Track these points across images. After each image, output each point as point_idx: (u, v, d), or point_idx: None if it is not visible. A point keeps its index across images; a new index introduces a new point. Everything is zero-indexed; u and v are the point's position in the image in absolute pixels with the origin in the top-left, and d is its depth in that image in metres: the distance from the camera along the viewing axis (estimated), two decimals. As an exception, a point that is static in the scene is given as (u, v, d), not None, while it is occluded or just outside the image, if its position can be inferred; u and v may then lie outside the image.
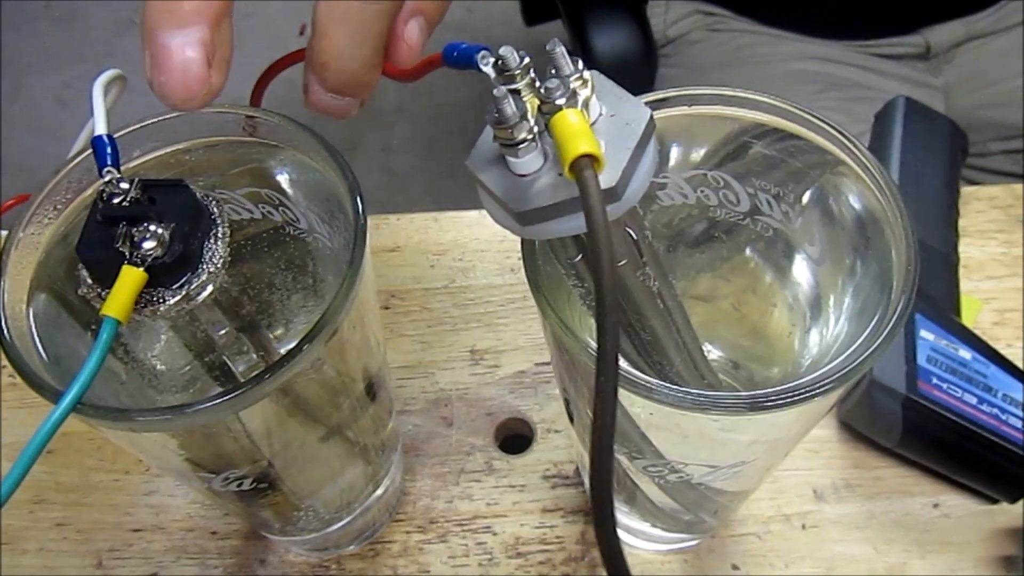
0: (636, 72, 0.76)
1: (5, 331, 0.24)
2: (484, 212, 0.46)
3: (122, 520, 0.39)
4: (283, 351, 0.32)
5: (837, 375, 0.21)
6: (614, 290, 0.17)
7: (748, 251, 0.28)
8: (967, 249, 0.43)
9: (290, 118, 0.27)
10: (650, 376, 0.23)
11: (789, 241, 0.27)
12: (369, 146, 1.42)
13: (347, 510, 0.35)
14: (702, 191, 0.27)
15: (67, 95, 1.59)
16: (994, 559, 0.36)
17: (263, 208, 0.29)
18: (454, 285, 0.44)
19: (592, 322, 0.25)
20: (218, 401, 0.23)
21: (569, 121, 0.19)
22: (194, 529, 0.39)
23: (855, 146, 0.24)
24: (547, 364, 0.41)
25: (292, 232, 0.29)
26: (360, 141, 1.41)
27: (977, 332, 0.40)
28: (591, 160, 0.18)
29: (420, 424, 0.40)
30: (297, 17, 1.65)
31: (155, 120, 0.28)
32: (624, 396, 0.23)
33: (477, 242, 0.45)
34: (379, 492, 0.36)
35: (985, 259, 0.43)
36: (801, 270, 0.28)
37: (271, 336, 0.32)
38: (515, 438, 0.40)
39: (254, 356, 0.31)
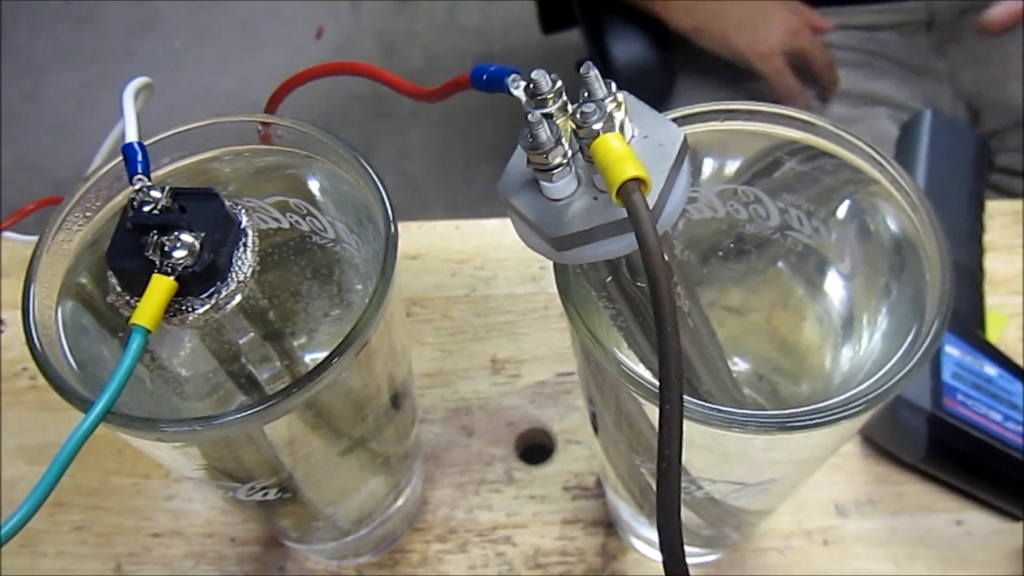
0: (653, 80, 0.76)
1: (35, 338, 0.24)
2: (506, 220, 0.45)
3: (141, 525, 0.39)
4: (307, 359, 0.33)
5: (869, 396, 0.21)
6: (674, 314, 0.17)
7: (780, 265, 0.28)
8: (993, 263, 0.43)
9: (322, 128, 0.27)
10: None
11: (821, 257, 0.27)
12: (384, 150, 1.42)
13: (367, 520, 0.35)
14: (732, 205, 0.27)
15: (85, 95, 1.59)
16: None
17: (290, 217, 0.29)
18: (475, 294, 0.43)
19: (618, 336, 0.25)
20: (246, 413, 0.23)
21: (612, 146, 0.18)
22: (213, 535, 0.39)
23: (890, 165, 0.23)
24: (568, 375, 0.41)
25: (318, 241, 0.29)
26: (375, 145, 1.41)
27: (1002, 348, 0.39)
28: (639, 184, 0.18)
29: (440, 433, 0.40)
30: (314, 20, 1.65)
31: (184, 129, 0.28)
32: (653, 412, 0.23)
33: (499, 250, 0.45)
34: (400, 502, 0.35)
35: (1012, 274, 0.43)
36: (833, 286, 0.28)
37: (295, 344, 0.32)
38: (535, 448, 0.40)
39: (278, 364, 0.31)
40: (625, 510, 0.34)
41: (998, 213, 0.45)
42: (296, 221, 0.29)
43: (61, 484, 0.41)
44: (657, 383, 0.21)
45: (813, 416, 0.21)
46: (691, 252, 0.29)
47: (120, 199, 0.27)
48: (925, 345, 0.22)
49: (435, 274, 0.44)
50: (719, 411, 0.21)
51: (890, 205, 0.25)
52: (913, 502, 0.38)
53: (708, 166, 0.26)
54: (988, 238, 0.43)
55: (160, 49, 1.66)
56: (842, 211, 0.26)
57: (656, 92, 0.75)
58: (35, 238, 0.43)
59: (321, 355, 0.33)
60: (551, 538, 0.37)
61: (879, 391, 0.21)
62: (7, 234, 0.42)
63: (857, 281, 0.28)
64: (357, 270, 0.29)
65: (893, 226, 0.25)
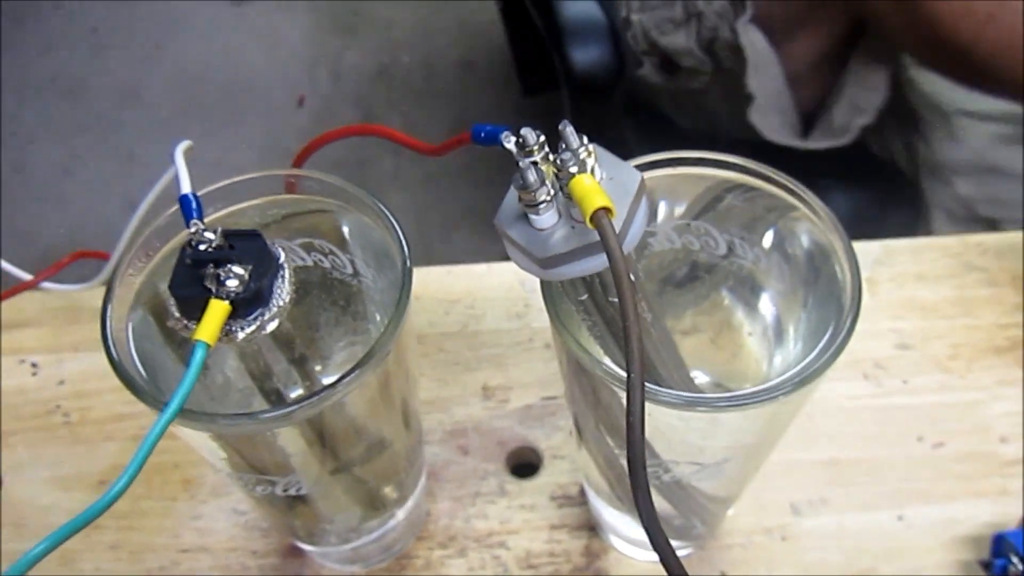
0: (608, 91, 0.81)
1: (113, 353, 0.29)
2: (492, 265, 0.51)
3: (170, 542, 0.43)
4: (324, 381, 0.37)
5: (794, 381, 0.26)
6: (634, 300, 0.22)
7: (724, 290, 0.34)
8: (922, 293, 0.48)
9: (350, 184, 0.32)
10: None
11: (757, 281, 0.33)
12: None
13: (378, 526, 0.39)
14: (687, 238, 0.32)
15: (73, 165, 1.65)
16: (954, 562, 0.41)
17: (314, 256, 0.34)
18: (467, 330, 0.49)
19: (598, 348, 0.30)
20: (286, 410, 0.28)
21: (585, 184, 0.24)
22: (236, 549, 0.43)
23: (805, 193, 0.29)
24: (552, 399, 0.46)
25: (337, 276, 0.35)
26: (358, 206, 1.46)
27: (934, 365, 0.45)
28: (606, 211, 0.23)
29: (439, 452, 0.45)
30: (295, 89, 1.72)
31: (221, 185, 0.33)
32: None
33: (487, 291, 0.50)
34: (406, 513, 0.40)
35: (938, 300, 0.49)
36: (766, 304, 0.33)
37: (315, 368, 0.37)
38: (524, 464, 0.45)
39: (300, 388, 0.36)
40: (606, 512, 0.39)
41: (929, 247, 0.51)
42: (319, 259, 0.34)
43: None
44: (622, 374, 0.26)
45: (754, 396, 0.26)
46: (650, 282, 0.35)
47: (174, 242, 0.32)
48: (843, 335, 0.27)
49: (431, 313, 0.49)
50: (682, 396, 0.26)
51: (807, 225, 0.30)
52: (860, 501, 0.43)
53: (663, 207, 0.32)
54: (919, 269, 0.49)
55: (145, 120, 1.72)
56: (770, 235, 0.31)
57: (611, 101, 0.81)
58: (72, 287, 0.48)
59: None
60: (540, 542, 0.42)
61: (802, 377, 0.26)
62: (45, 284, 0.47)
63: (784, 297, 0.33)
64: (373, 300, 0.34)
65: (809, 243, 0.30)
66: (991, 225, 0.77)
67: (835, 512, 0.43)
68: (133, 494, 0.45)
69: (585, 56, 0.79)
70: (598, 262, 0.26)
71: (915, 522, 0.42)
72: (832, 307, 0.29)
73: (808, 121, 0.84)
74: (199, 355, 0.27)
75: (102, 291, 0.50)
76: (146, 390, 0.28)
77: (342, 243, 0.34)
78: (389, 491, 0.38)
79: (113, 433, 0.47)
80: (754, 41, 0.78)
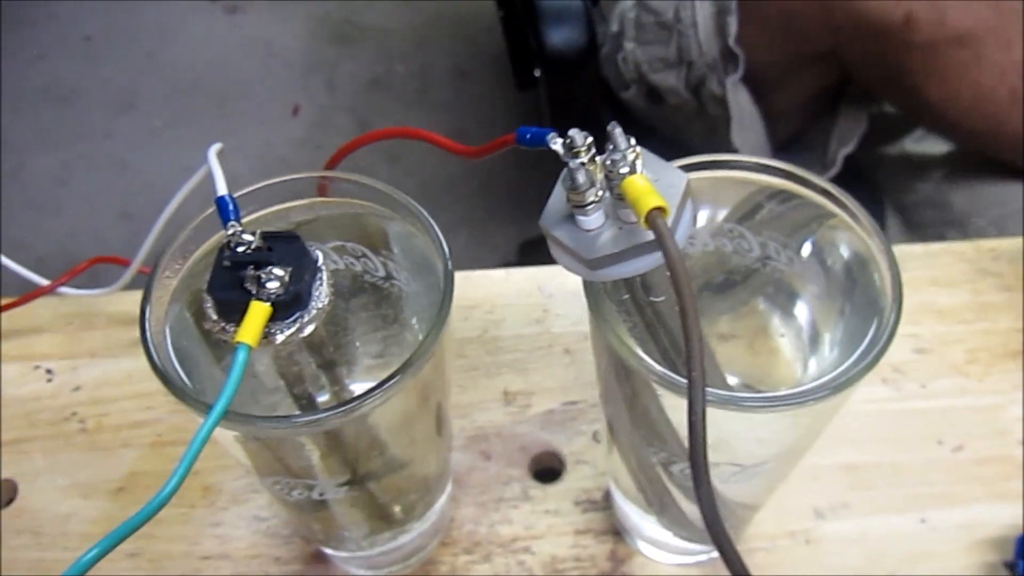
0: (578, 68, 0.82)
1: (155, 356, 0.28)
2: (510, 270, 0.51)
3: (190, 549, 0.43)
4: (351, 387, 0.37)
5: (834, 384, 0.26)
6: (694, 299, 0.22)
7: (760, 297, 0.34)
8: (937, 298, 0.49)
9: (388, 186, 0.32)
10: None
11: (792, 288, 0.33)
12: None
13: (409, 530, 0.39)
14: (720, 240, 0.32)
15: (66, 174, 1.64)
16: (978, 564, 0.41)
17: (346, 259, 0.34)
18: (487, 335, 0.49)
19: (633, 343, 0.30)
20: (327, 413, 0.28)
21: (638, 184, 0.24)
22: (258, 556, 0.43)
23: (847, 199, 0.29)
24: (573, 404, 0.46)
25: (369, 280, 0.34)
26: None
27: (952, 369, 0.45)
28: (660, 211, 0.23)
29: (462, 459, 0.44)
30: (290, 98, 1.72)
31: (253, 188, 0.33)
32: (672, 402, 0.28)
33: (504, 297, 0.50)
34: (434, 517, 0.40)
35: (955, 305, 0.49)
36: (803, 311, 0.34)
37: (342, 373, 0.36)
38: (547, 470, 0.45)
39: (327, 393, 0.36)
40: (634, 514, 0.39)
41: (944, 253, 0.51)
42: (350, 263, 0.34)
43: (114, 517, 0.45)
44: (670, 374, 0.26)
45: (794, 398, 0.26)
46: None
47: (210, 244, 0.32)
48: (884, 340, 0.27)
49: (451, 318, 0.49)
50: (719, 393, 0.26)
51: (847, 232, 0.30)
52: (882, 504, 0.43)
53: (702, 211, 0.32)
54: (934, 274, 0.49)
55: (140, 128, 1.72)
56: (809, 243, 0.31)
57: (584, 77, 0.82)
58: (91, 291, 0.48)
59: (362, 385, 0.38)
60: (566, 547, 0.42)
61: (842, 380, 0.26)
62: (62, 289, 0.47)
63: (821, 305, 0.33)
64: (407, 304, 0.34)
65: (848, 251, 0.31)
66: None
67: (858, 516, 0.43)
68: (152, 501, 0.45)
69: (557, 34, 0.80)
70: (646, 262, 0.26)
71: (938, 525, 0.42)
72: (870, 314, 0.29)
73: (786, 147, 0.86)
74: (241, 357, 0.27)
75: (118, 296, 0.50)
76: (191, 394, 0.28)
77: (375, 246, 0.34)
78: (420, 495, 0.38)
79: (130, 440, 0.47)
80: (740, 101, 0.79)
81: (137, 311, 0.51)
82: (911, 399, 0.46)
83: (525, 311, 0.50)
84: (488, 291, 0.50)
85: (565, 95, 0.87)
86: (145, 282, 0.30)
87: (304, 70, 1.80)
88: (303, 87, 1.77)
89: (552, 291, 0.50)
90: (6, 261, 0.47)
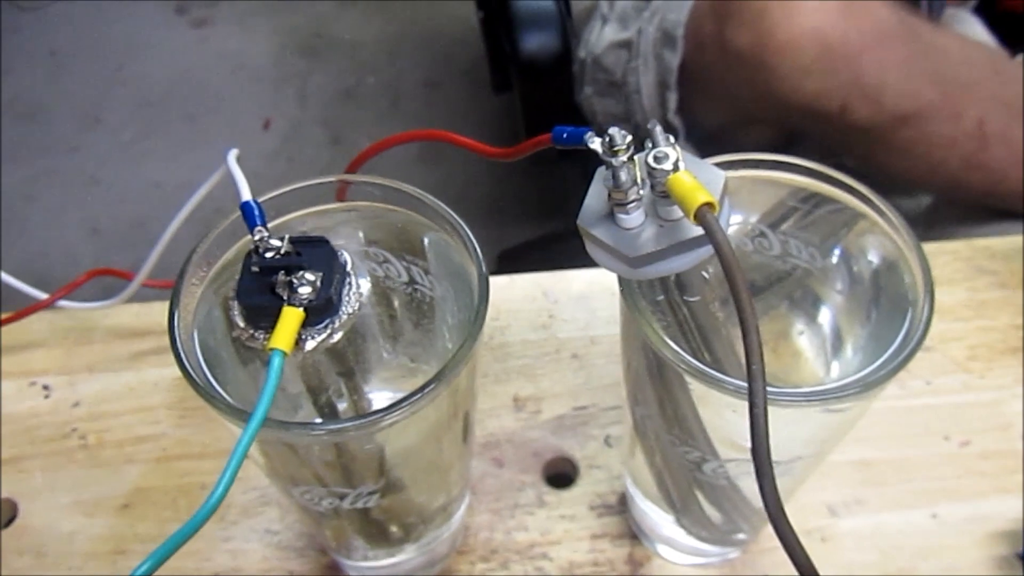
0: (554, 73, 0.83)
1: (187, 365, 0.28)
2: (513, 277, 0.51)
3: (201, 565, 0.42)
4: (370, 395, 0.37)
5: (878, 375, 0.27)
6: (749, 293, 0.22)
7: (785, 301, 0.34)
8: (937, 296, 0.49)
9: (416, 189, 0.32)
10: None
11: (821, 291, 0.33)
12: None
13: (421, 540, 0.39)
14: (756, 244, 0.33)
15: (33, 190, 1.61)
16: (988, 558, 0.41)
17: (367, 264, 0.34)
18: (493, 341, 0.48)
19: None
20: (359, 421, 0.27)
21: (684, 180, 0.24)
22: (271, 570, 0.42)
23: (876, 198, 0.30)
24: (583, 408, 0.46)
25: (391, 285, 0.34)
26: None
27: (955, 365, 0.46)
28: (710, 207, 0.23)
29: (475, 465, 0.44)
30: (262, 111, 1.71)
31: (274, 195, 0.33)
32: (710, 399, 0.28)
33: (510, 303, 0.50)
34: (454, 525, 0.39)
35: (953, 303, 0.50)
36: (828, 316, 0.34)
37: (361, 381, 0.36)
38: (560, 475, 0.45)
39: (345, 402, 0.35)
40: (654, 514, 0.39)
41: (940, 252, 0.52)
42: (372, 268, 0.34)
43: (121, 534, 0.44)
44: (710, 372, 0.26)
45: (834, 392, 0.26)
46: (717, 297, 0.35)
47: (233, 252, 0.31)
48: (916, 340, 0.28)
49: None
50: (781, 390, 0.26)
51: (876, 236, 0.31)
52: (893, 501, 0.43)
53: (734, 211, 0.32)
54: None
55: (108, 143, 1.69)
56: (840, 248, 0.32)
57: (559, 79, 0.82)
58: (90, 305, 0.47)
59: (381, 394, 0.37)
60: (583, 552, 0.42)
61: (872, 379, 0.27)
62: (62, 302, 0.46)
63: (846, 310, 0.34)
64: (432, 310, 0.34)
65: (878, 256, 0.31)
66: None
67: (870, 512, 0.43)
68: (160, 518, 0.44)
69: (531, 39, 0.81)
70: (688, 259, 0.26)
71: (948, 520, 0.43)
72: (898, 315, 0.30)
73: None
74: (276, 363, 0.26)
75: (115, 310, 0.49)
76: (227, 404, 0.27)
77: (398, 251, 0.33)
78: (444, 503, 0.37)
79: (134, 455, 0.46)
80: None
81: (137, 324, 0.50)
82: (917, 396, 0.47)
83: (530, 316, 0.49)
84: (492, 297, 0.50)
85: (539, 99, 0.88)
86: (172, 288, 0.29)
87: (274, 83, 1.79)
88: (274, 100, 1.76)
89: (556, 296, 0.50)
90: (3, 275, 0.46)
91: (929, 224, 0.73)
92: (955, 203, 0.74)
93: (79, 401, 0.47)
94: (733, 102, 0.73)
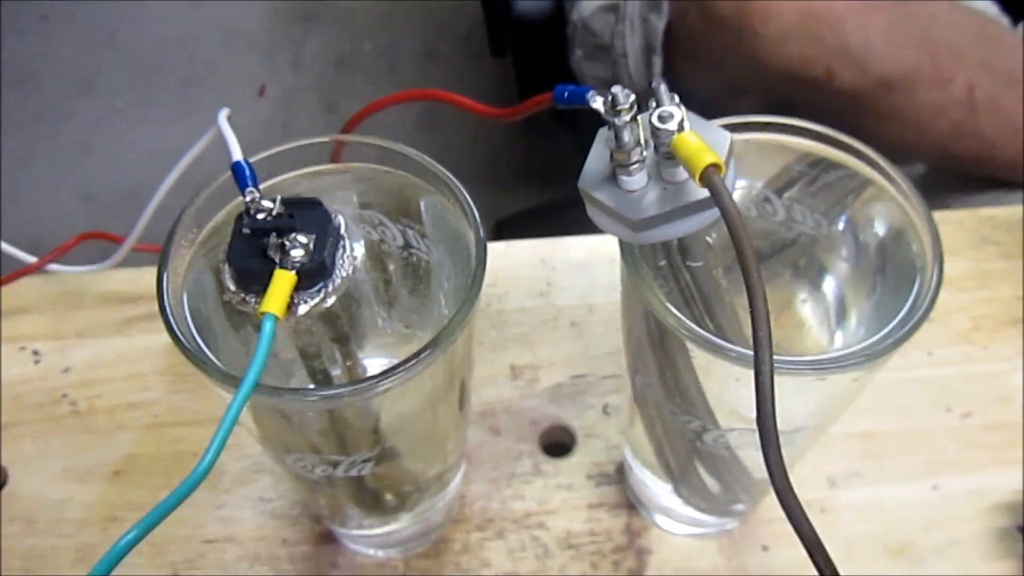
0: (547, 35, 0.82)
1: (176, 330, 0.27)
2: (510, 244, 0.50)
3: (194, 533, 0.42)
4: (365, 361, 0.36)
5: (885, 344, 0.26)
6: (753, 249, 0.21)
7: (789, 269, 0.33)
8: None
9: (413, 150, 0.31)
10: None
11: (824, 260, 0.32)
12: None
13: (416, 509, 0.38)
14: (756, 210, 0.32)
15: (27, 157, 1.59)
16: (989, 530, 0.41)
17: (363, 228, 0.33)
18: (490, 309, 0.48)
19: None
20: (353, 387, 0.27)
21: (690, 140, 0.23)
22: (265, 538, 0.41)
23: (885, 163, 0.29)
24: (581, 377, 0.45)
25: (386, 250, 0.33)
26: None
27: (957, 336, 0.45)
28: (716, 168, 0.22)
29: (471, 434, 0.44)
30: (256, 78, 1.69)
31: (267, 154, 0.32)
32: (712, 368, 0.28)
33: (507, 269, 0.49)
34: (449, 494, 0.39)
35: (956, 274, 0.49)
36: (831, 285, 0.33)
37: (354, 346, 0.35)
38: (557, 444, 0.44)
39: (338, 368, 0.35)
40: (652, 484, 0.39)
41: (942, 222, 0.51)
42: (368, 231, 0.33)
43: (112, 501, 0.44)
44: (713, 339, 0.25)
45: (838, 361, 0.26)
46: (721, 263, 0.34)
47: (223, 215, 0.31)
48: (923, 309, 0.27)
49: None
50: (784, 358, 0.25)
51: (884, 203, 0.30)
52: (894, 473, 0.43)
53: (744, 175, 0.31)
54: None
55: (101, 109, 1.67)
56: (846, 216, 0.31)
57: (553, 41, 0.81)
58: (80, 268, 0.46)
59: (375, 360, 0.36)
60: (580, 521, 0.41)
61: (879, 347, 0.26)
62: (52, 267, 0.45)
63: (851, 279, 0.33)
64: (429, 274, 0.33)
65: (886, 224, 0.30)
66: None
67: (870, 484, 0.43)
68: (152, 485, 0.44)
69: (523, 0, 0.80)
70: (693, 223, 0.25)
71: (949, 492, 0.42)
72: (904, 286, 0.29)
73: None
74: (268, 328, 0.26)
75: (105, 275, 0.48)
76: (218, 368, 0.26)
77: (394, 214, 0.33)
78: (440, 471, 0.37)
79: (125, 422, 0.45)
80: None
81: (127, 289, 0.49)
82: (919, 367, 0.46)
83: (528, 284, 0.49)
84: (489, 264, 0.49)
85: (532, 62, 0.86)
86: (160, 252, 0.28)
87: (269, 50, 1.76)
88: (268, 67, 1.74)
89: (555, 264, 0.50)
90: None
91: (923, 193, 0.72)
92: (946, 172, 0.73)
93: (70, 367, 0.47)
94: (719, 69, 0.72)
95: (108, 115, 1.67)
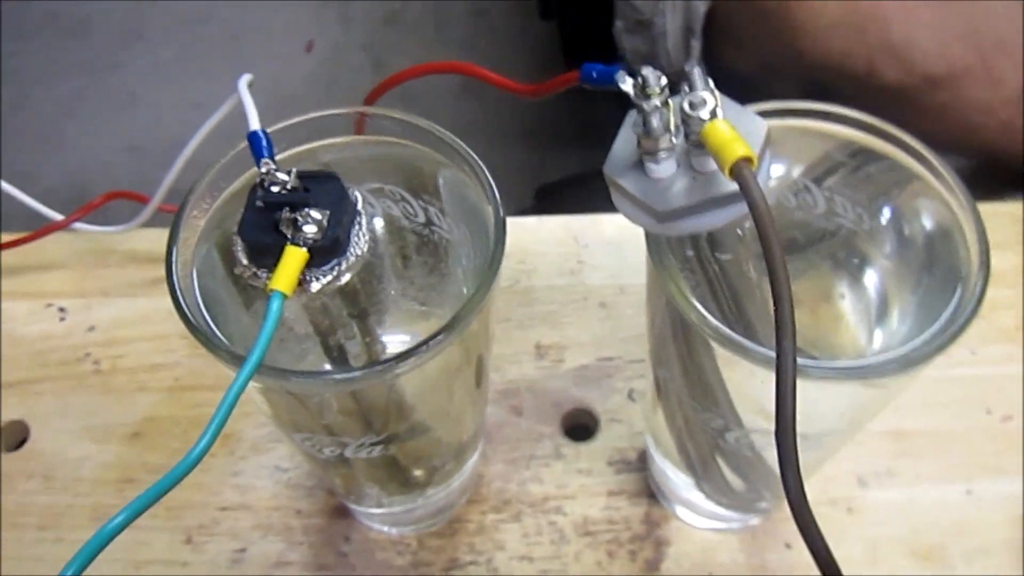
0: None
1: (183, 304, 0.26)
2: (543, 218, 0.49)
3: (209, 499, 0.42)
4: (384, 338, 0.35)
5: (907, 359, 0.25)
6: (782, 251, 0.20)
7: (828, 261, 0.32)
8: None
9: (434, 124, 0.29)
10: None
11: (865, 252, 0.31)
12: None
13: (432, 488, 0.38)
14: (783, 194, 0.30)
15: (74, 106, 1.60)
16: (1021, 538, 0.39)
17: (383, 202, 0.32)
18: (518, 286, 0.47)
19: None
20: (367, 370, 0.26)
21: (721, 130, 0.22)
22: (279, 508, 0.41)
23: (931, 156, 0.27)
24: (608, 360, 0.44)
25: (407, 225, 0.32)
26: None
27: (1002, 334, 0.43)
28: (748, 162, 0.21)
29: (491, 413, 0.43)
30: (304, 34, 1.68)
31: (287, 124, 0.31)
32: (737, 366, 0.26)
33: (537, 245, 0.48)
34: (465, 474, 0.38)
35: (1005, 268, 0.47)
36: (874, 280, 0.31)
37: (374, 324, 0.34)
38: (580, 427, 0.43)
39: (357, 344, 0.34)
40: (673, 475, 0.37)
41: (992, 215, 0.49)
42: (388, 206, 0.32)
43: (129, 462, 0.44)
44: (737, 338, 0.24)
45: (876, 367, 0.24)
46: (755, 243, 0.32)
47: (238, 185, 0.30)
48: (968, 312, 0.25)
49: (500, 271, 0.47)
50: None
51: (928, 198, 0.28)
52: (927, 474, 0.41)
53: (773, 167, 0.30)
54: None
55: (148, 60, 1.67)
56: (890, 209, 0.29)
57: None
58: (107, 228, 0.46)
59: (395, 336, 0.36)
60: (598, 508, 0.40)
61: (919, 354, 0.25)
62: (78, 225, 0.45)
63: (894, 274, 0.31)
64: (450, 252, 0.32)
65: (931, 220, 0.28)
66: None
67: (902, 485, 0.41)
68: (169, 448, 0.43)
69: None
70: (721, 216, 0.24)
71: (984, 496, 0.41)
72: (949, 286, 0.27)
73: None
74: (276, 306, 0.25)
75: (133, 234, 0.48)
76: (221, 345, 0.26)
77: (416, 189, 0.31)
78: (455, 452, 0.36)
79: (147, 383, 0.45)
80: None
81: (154, 249, 0.49)
82: (960, 365, 0.44)
83: (559, 261, 0.47)
84: (519, 239, 0.48)
85: (579, 28, 0.84)
86: (172, 222, 0.28)
87: (318, 4, 1.75)
88: (317, 22, 1.73)
89: (587, 241, 0.48)
90: (17, 193, 0.45)
91: (970, 187, 0.69)
92: (994, 170, 0.70)
93: (94, 325, 0.47)
94: (759, 57, 0.70)
95: (155, 66, 1.67)
